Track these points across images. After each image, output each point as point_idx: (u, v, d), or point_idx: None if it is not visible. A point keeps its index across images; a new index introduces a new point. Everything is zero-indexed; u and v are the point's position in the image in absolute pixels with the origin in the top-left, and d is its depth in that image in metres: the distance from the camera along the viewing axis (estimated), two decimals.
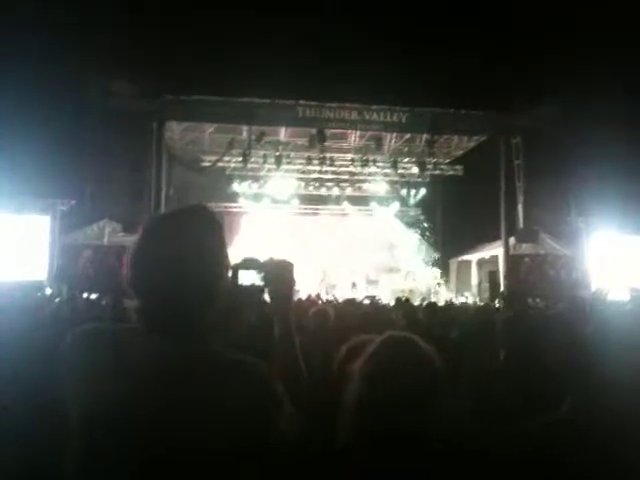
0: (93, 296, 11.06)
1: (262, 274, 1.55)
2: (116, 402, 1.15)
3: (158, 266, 1.26)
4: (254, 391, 1.20)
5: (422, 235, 20.57)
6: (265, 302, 1.59)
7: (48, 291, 13.77)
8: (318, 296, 11.51)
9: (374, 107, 15.25)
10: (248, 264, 1.55)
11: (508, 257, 15.85)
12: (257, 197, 19.43)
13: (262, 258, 1.57)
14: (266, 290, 1.56)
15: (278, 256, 1.59)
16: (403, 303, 7.73)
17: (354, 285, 17.94)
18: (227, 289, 1.38)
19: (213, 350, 1.27)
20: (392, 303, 8.95)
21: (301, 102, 14.93)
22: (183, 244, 1.28)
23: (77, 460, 1.17)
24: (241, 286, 1.52)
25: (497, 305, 10.57)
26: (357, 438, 1.36)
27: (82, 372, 1.22)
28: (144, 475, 1.13)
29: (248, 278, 1.54)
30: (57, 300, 10.51)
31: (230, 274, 1.46)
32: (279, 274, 1.56)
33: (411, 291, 17.61)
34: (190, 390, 1.16)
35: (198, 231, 1.32)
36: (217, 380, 1.19)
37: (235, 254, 1.48)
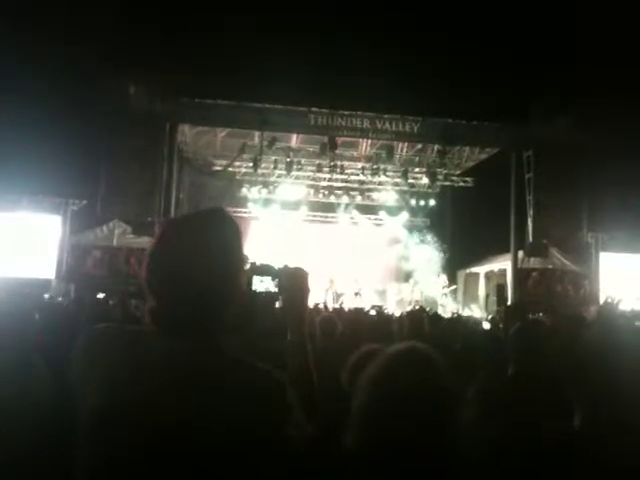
0: (100, 296, 11.10)
1: (277, 281, 1.55)
2: (132, 403, 1.15)
3: (175, 267, 1.26)
4: (268, 397, 1.20)
5: (430, 246, 20.52)
6: (279, 309, 1.58)
7: (55, 290, 13.85)
8: (325, 305, 11.49)
9: (386, 116, 15.27)
10: (263, 270, 1.55)
11: (516, 270, 15.78)
12: (266, 203, 19.47)
13: (276, 265, 1.57)
14: (280, 297, 1.55)
15: (292, 264, 1.59)
16: (410, 314, 7.70)
17: (357, 294, 17.90)
18: (243, 294, 1.38)
19: (228, 354, 1.26)
20: (397, 313, 8.92)
21: (313, 109, 14.99)
22: (201, 246, 1.28)
23: (88, 464, 1.17)
24: (255, 292, 1.52)
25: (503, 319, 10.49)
26: (364, 448, 1.36)
27: (97, 372, 1.22)
28: (154, 477, 1.13)
29: (262, 284, 1.54)
30: (61, 299, 10.59)
31: (245, 279, 1.45)
32: (294, 282, 1.56)
33: (417, 302, 17.56)
34: (204, 393, 1.16)
35: (216, 234, 1.32)
36: (232, 384, 1.18)
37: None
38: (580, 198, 15.65)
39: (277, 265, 1.58)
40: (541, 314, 11.84)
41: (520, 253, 15.86)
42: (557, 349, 2.67)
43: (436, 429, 1.32)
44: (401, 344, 1.49)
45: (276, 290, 1.55)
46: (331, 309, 10.02)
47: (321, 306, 10.26)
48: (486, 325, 9.20)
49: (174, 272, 1.26)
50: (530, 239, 15.85)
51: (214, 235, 1.31)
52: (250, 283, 1.51)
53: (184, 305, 1.25)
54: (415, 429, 1.31)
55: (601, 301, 14.44)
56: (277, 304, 1.59)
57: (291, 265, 1.59)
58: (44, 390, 2.10)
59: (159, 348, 1.22)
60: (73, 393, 1.23)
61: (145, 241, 13.87)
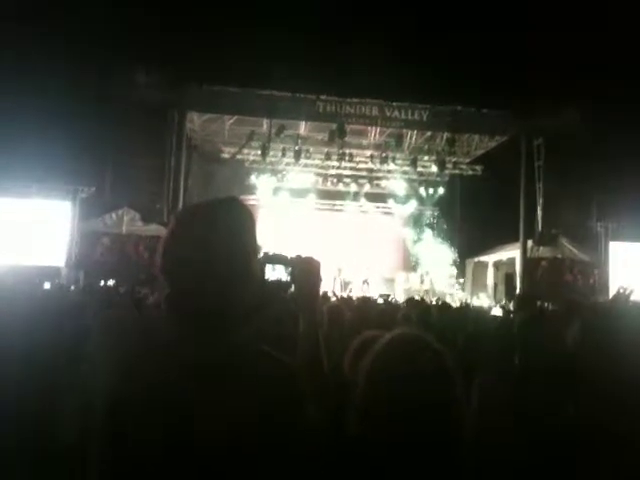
0: (110, 283, 11.17)
1: (289, 270, 1.56)
2: (147, 389, 1.16)
3: (191, 255, 1.27)
4: (283, 385, 1.21)
5: (439, 235, 20.46)
6: (291, 297, 1.59)
7: (65, 278, 13.95)
8: (334, 293, 11.51)
9: (395, 104, 15.18)
10: (276, 259, 1.55)
11: (525, 260, 15.73)
12: (275, 191, 19.46)
13: (288, 254, 1.58)
14: (292, 286, 1.56)
15: (304, 253, 1.59)
16: (416, 302, 7.70)
17: (366, 282, 17.91)
18: (257, 282, 1.38)
19: (243, 342, 1.27)
20: (406, 303, 8.91)
21: (322, 97, 14.92)
22: (216, 235, 1.29)
23: (103, 451, 1.18)
24: (268, 281, 1.53)
25: (512, 308, 10.47)
26: (364, 434, 1.36)
27: (113, 358, 1.23)
28: (171, 464, 1.14)
29: (274, 273, 1.54)
30: (73, 287, 10.65)
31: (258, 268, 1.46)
32: (307, 272, 1.57)
33: (426, 291, 17.56)
34: (220, 381, 1.17)
35: (231, 223, 1.33)
36: (247, 373, 1.20)
37: None
38: (590, 187, 15.53)
39: (289, 254, 1.59)
40: (550, 304, 11.82)
41: (529, 242, 15.79)
42: (563, 339, 2.65)
43: (435, 414, 1.32)
44: (397, 330, 1.49)
45: (288, 279, 1.56)
46: (339, 297, 10.05)
47: (330, 294, 10.28)
48: (496, 311, 9.20)
49: (189, 260, 1.27)
50: (539, 228, 15.78)
51: (229, 224, 1.32)
52: (263, 272, 1.52)
53: (199, 293, 1.25)
54: (412, 413, 1.31)
55: (611, 290, 14.37)
56: (289, 292, 1.59)
57: (303, 254, 1.60)
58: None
59: (174, 336, 1.24)
60: (80, 375, 1.24)
61: (154, 228, 13.92)
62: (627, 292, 3.38)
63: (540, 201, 15.83)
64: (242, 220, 1.36)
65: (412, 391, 1.33)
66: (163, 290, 1.29)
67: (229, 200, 1.39)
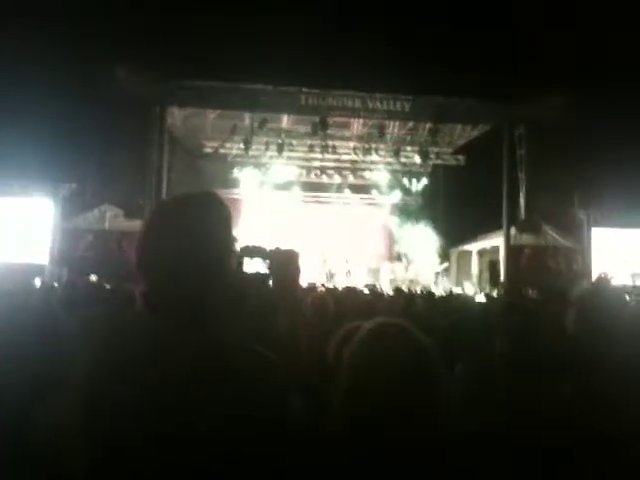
0: (93, 279, 11.07)
1: (267, 262, 1.55)
2: (127, 387, 1.14)
3: (164, 250, 1.27)
4: (261, 379, 1.20)
5: (423, 224, 20.56)
6: (270, 291, 1.59)
7: (48, 275, 13.82)
8: (322, 284, 11.53)
9: (377, 95, 15.18)
10: (253, 252, 1.55)
11: (509, 247, 15.84)
12: (259, 184, 19.42)
13: (267, 246, 1.58)
14: (271, 279, 1.56)
15: (284, 245, 1.59)
16: (402, 292, 7.76)
17: (348, 273, 17.97)
18: (233, 275, 1.38)
19: (219, 336, 1.26)
20: (392, 292, 8.97)
21: (304, 90, 14.88)
22: (192, 229, 1.29)
23: (84, 450, 1.16)
24: (246, 274, 1.53)
25: (496, 295, 10.60)
26: (346, 425, 1.37)
27: (92, 356, 1.22)
28: (154, 463, 1.12)
29: (253, 266, 1.54)
30: (56, 285, 10.55)
31: (235, 261, 1.46)
32: (285, 263, 1.56)
33: (411, 281, 17.65)
34: (197, 376, 1.16)
35: (207, 216, 1.33)
36: (225, 367, 1.19)
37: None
38: (572, 174, 15.65)
39: (268, 247, 1.59)
40: (534, 291, 11.96)
41: (512, 230, 15.92)
42: (545, 327, 2.70)
43: (419, 404, 1.33)
44: (378, 318, 1.50)
45: (267, 272, 1.55)
46: (325, 288, 10.07)
47: (318, 284, 10.30)
48: (480, 298, 9.29)
49: (163, 255, 1.26)
50: (522, 216, 15.91)
51: (204, 217, 1.32)
52: (241, 265, 1.52)
53: (172, 288, 1.25)
54: (393, 403, 1.32)
55: (594, 276, 14.55)
56: (268, 286, 1.59)
57: (282, 246, 1.60)
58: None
59: (150, 331, 1.23)
60: (61, 373, 1.23)
61: (137, 224, 13.83)
62: (607, 278, 3.45)
63: (523, 189, 15.96)
64: (218, 214, 1.35)
65: (393, 380, 1.33)
66: (139, 285, 1.29)
67: (204, 194, 1.39)
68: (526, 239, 16.23)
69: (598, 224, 16.48)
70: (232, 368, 1.19)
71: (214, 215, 1.35)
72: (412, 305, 5.52)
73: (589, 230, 16.55)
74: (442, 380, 1.38)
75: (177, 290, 1.25)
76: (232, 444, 1.13)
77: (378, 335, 1.43)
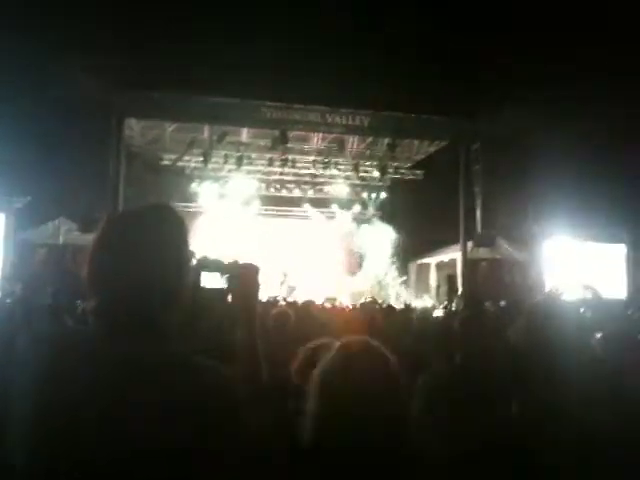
0: (48, 296, 10.77)
1: (226, 277, 1.52)
2: (74, 407, 1.12)
3: (114, 265, 1.24)
4: (217, 394, 1.18)
5: (382, 238, 20.74)
6: (228, 305, 1.56)
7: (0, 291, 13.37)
8: (283, 298, 11.49)
9: (338, 110, 15.31)
10: (211, 266, 1.51)
11: (466, 261, 16.12)
12: (217, 197, 19.27)
13: (226, 260, 1.54)
14: (229, 293, 1.52)
15: (243, 259, 1.56)
16: (364, 306, 7.80)
17: (290, 288, 17.21)
18: (190, 291, 1.36)
19: (174, 352, 1.24)
20: (351, 305, 9.02)
21: (267, 103, 14.88)
22: (145, 242, 1.26)
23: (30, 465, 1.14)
24: (204, 288, 1.49)
25: (454, 308, 10.75)
26: (318, 444, 1.36)
27: (39, 377, 1.18)
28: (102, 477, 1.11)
29: (211, 280, 1.52)
30: (9, 301, 10.20)
31: (192, 276, 1.43)
32: (244, 277, 1.53)
33: (371, 294, 17.74)
34: (150, 392, 1.13)
35: (161, 230, 1.30)
36: (179, 382, 1.16)
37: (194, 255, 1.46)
38: (526, 189, 16.08)
39: (227, 260, 1.56)
40: (489, 303, 12.18)
41: (469, 244, 16.21)
42: (499, 339, 2.75)
43: (387, 422, 1.34)
44: (349, 339, 1.50)
45: (225, 286, 1.52)
46: (286, 302, 10.04)
47: (279, 298, 10.26)
48: (439, 312, 9.40)
49: (113, 270, 1.23)
50: (479, 230, 16.23)
51: (158, 230, 1.29)
52: (198, 279, 1.48)
53: (124, 304, 1.22)
54: (366, 422, 1.32)
55: (546, 290, 14.90)
56: (226, 300, 1.55)
57: (241, 260, 1.56)
58: None
59: (102, 348, 1.19)
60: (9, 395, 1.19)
61: (92, 238, 13.52)
62: (558, 292, 3.54)
63: (479, 203, 16.28)
64: (172, 227, 1.32)
65: (361, 401, 1.34)
66: (91, 301, 1.25)
67: (159, 206, 1.36)
68: (482, 253, 16.56)
69: (552, 237, 16.91)
70: (186, 383, 1.16)
71: (169, 228, 1.31)
72: (374, 320, 5.55)
73: (542, 243, 16.98)
74: (407, 400, 1.40)
75: (129, 306, 1.22)
76: (186, 459, 1.11)
77: (347, 358, 1.42)
